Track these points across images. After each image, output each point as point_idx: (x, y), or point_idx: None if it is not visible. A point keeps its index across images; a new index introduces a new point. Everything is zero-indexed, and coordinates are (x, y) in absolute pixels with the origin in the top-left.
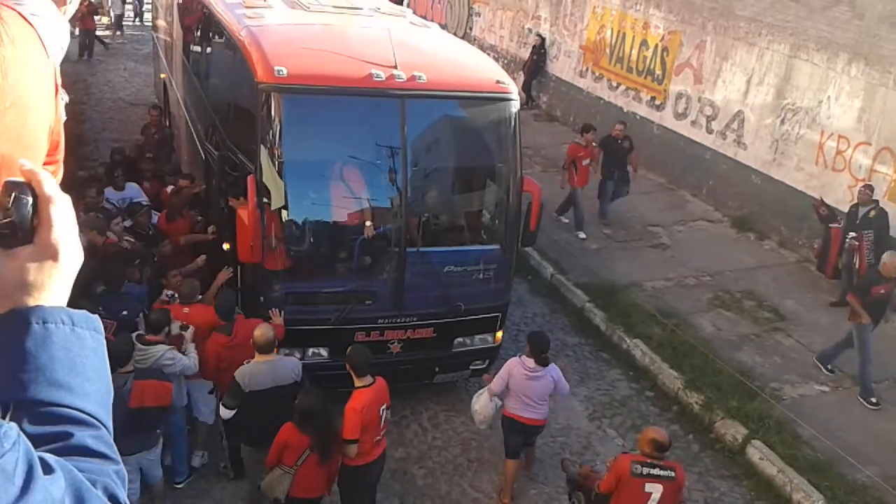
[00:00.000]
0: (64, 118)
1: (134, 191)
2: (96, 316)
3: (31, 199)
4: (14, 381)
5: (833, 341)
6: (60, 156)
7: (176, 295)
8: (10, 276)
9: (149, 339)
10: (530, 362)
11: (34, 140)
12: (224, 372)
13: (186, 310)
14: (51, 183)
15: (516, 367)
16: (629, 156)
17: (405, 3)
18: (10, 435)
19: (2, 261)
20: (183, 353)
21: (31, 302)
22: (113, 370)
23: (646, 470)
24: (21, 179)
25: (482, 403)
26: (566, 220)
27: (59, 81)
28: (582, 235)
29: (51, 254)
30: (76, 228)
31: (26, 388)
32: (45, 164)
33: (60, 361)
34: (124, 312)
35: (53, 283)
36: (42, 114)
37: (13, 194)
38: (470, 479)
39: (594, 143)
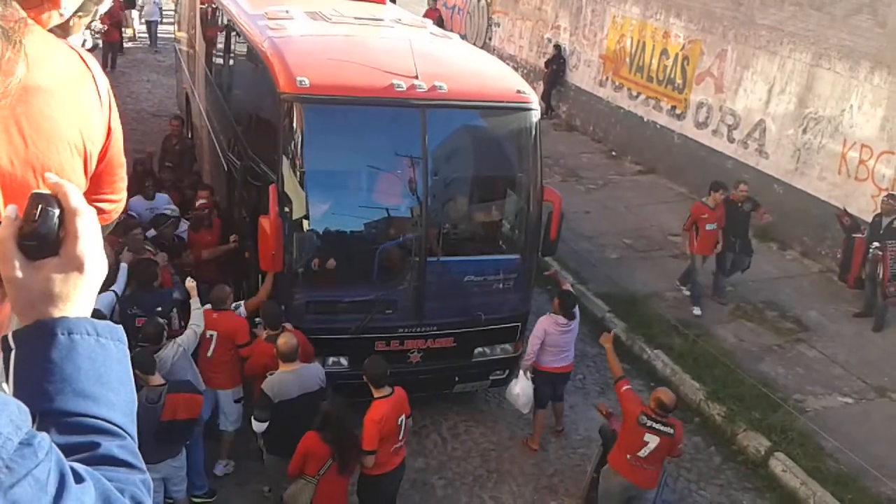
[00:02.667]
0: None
1: (163, 200)
2: (120, 326)
3: (57, 212)
4: (40, 392)
5: (857, 353)
6: (116, 194)
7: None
8: (35, 288)
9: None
10: (561, 319)
11: (61, 173)
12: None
13: (215, 315)
14: (77, 195)
15: (550, 325)
16: (756, 215)
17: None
18: (43, 445)
19: (28, 272)
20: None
21: (57, 313)
22: (141, 368)
23: (650, 423)
24: (48, 192)
25: (522, 385)
26: (688, 292)
27: (114, 124)
28: (697, 312)
29: (76, 265)
30: (101, 240)
31: (52, 399)
32: (97, 200)
33: (86, 372)
34: (158, 308)
35: (78, 294)
36: (75, 149)
37: (40, 206)
38: (490, 491)
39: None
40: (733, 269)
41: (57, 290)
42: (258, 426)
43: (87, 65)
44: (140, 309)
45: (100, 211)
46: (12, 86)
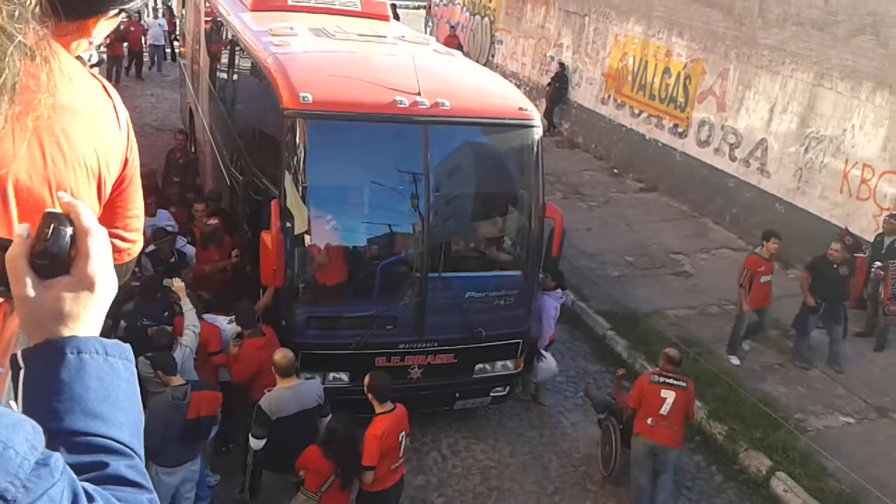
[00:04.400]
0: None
1: (164, 217)
2: (128, 345)
3: (69, 231)
4: (49, 411)
5: (858, 372)
6: (129, 232)
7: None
8: (46, 306)
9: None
10: (558, 293)
11: (75, 192)
12: (262, 374)
13: None
14: (89, 215)
15: (556, 301)
16: (849, 285)
17: (428, 31)
18: (58, 465)
19: (39, 290)
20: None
21: (66, 332)
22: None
23: (661, 379)
24: (60, 211)
25: (549, 359)
26: (747, 347)
27: (132, 155)
28: (735, 361)
29: (87, 284)
30: (111, 260)
31: (61, 419)
32: (110, 235)
33: (94, 391)
34: (166, 314)
35: (88, 313)
36: (90, 172)
37: (52, 225)
38: None
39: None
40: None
41: (67, 309)
42: (255, 443)
43: (108, 94)
44: (149, 319)
45: (112, 248)
46: (43, 102)
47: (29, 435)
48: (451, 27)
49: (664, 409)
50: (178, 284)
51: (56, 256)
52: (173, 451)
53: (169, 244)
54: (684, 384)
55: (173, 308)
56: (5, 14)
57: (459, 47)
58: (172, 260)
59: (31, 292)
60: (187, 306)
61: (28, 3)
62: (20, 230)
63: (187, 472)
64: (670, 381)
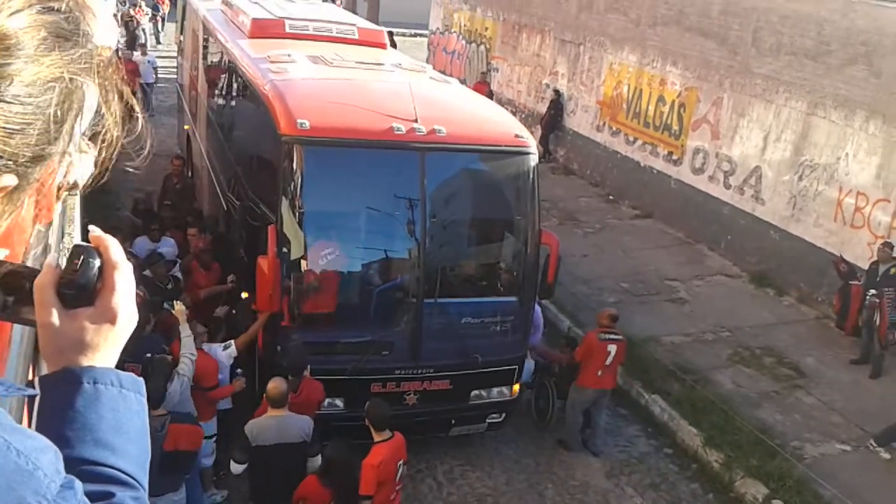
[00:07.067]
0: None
1: (169, 244)
2: (141, 379)
3: (97, 263)
4: (61, 438)
5: (854, 400)
6: None
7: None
8: (68, 335)
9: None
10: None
11: None
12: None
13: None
14: (117, 249)
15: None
16: None
17: (426, 58)
18: (79, 489)
19: (63, 319)
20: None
21: (85, 361)
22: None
23: (607, 336)
24: (89, 245)
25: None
26: (887, 456)
27: None
28: (886, 455)
29: (109, 317)
30: (134, 294)
31: (73, 446)
32: None
33: (107, 422)
34: (148, 355)
35: (108, 345)
36: None
37: (82, 257)
38: None
39: None
40: None
41: (88, 340)
42: (235, 468)
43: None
44: (128, 355)
45: None
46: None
47: (52, 459)
48: (483, 73)
49: (608, 360)
50: (178, 308)
51: (83, 287)
52: (153, 481)
53: (164, 268)
54: (621, 336)
55: (158, 348)
56: (79, 68)
57: (490, 94)
58: (169, 286)
59: (55, 321)
60: (185, 332)
61: (99, 58)
62: (50, 260)
63: (170, 503)
64: (612, 336)
